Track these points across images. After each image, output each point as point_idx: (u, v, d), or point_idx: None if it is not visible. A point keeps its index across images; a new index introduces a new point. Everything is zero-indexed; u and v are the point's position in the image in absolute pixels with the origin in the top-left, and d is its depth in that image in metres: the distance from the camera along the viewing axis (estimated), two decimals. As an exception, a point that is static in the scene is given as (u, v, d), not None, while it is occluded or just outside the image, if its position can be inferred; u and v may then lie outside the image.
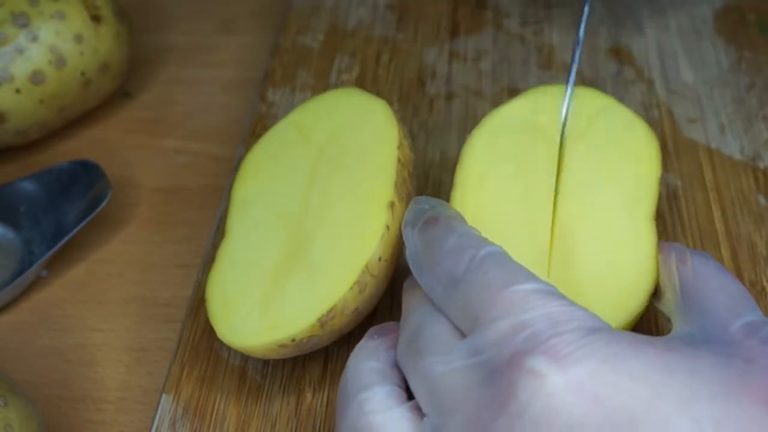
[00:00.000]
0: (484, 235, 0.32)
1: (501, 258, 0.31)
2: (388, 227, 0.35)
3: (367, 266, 0.35)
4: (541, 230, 0.36)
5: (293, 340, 0.34)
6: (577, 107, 0.40)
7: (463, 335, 0.30)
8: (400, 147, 0.37)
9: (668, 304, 0.34)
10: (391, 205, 0.36)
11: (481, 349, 0.29)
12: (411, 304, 0.33)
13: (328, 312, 0.34)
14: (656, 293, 0.35)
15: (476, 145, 0.39)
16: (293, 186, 0.38)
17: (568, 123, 0.39)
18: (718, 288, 0.32)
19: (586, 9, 0.41)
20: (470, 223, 0.34)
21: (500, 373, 0.28)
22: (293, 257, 0.36)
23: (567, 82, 0.40)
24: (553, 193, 0.37)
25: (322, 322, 0.34)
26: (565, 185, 0.38)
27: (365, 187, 0.37)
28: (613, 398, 0.26)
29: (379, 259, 0.35)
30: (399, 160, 0.37)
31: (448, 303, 0.31)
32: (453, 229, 0.32)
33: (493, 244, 0.31)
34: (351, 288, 0.34)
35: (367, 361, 0.33)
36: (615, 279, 0.35)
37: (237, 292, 0.36)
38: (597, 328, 0.28)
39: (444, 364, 0.30)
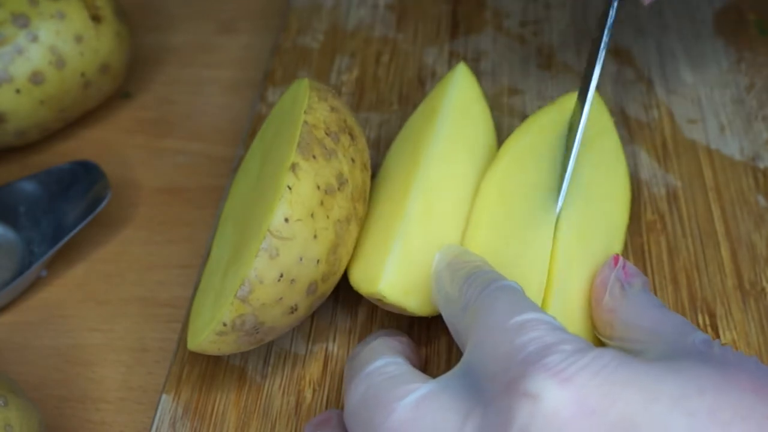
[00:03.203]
0: None
1: (513, 291, 0.32)
2: (289, 187, 0.35)
3: (270, 230, 0.34)
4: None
5: (225, 325, 0.34)
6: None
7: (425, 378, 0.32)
8: (307, 111, 0.37)
9: (618, 338, 0.35)
10: (293, 166, 0.35)
11: (473, 366, 0.30)
12: (363, 360, 0.34)
13: (242, 285, 0.34)
14: (601, 329, 0.36)
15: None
16: (247, 191, 0.39)
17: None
18: (660, 317, 0.34)
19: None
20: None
21: (498, 401, 0.28)
22: (236, 254, 0.37)
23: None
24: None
25: (241, 298, 0.34)
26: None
27: (278, 161, 0.37)
28: (609, 408, 0.27)
29: (286, 220, 0.34)
30: (306, 122, 0.37)
31: (459, 321, 0.33)
32: (479, 267, 0.35)
33: (511, 281, 0.33)
34: (258, 255, 0.34)
35: None
36: None
37: (202, 303, 0.37)
38: (583, 348, 0.29)
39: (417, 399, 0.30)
